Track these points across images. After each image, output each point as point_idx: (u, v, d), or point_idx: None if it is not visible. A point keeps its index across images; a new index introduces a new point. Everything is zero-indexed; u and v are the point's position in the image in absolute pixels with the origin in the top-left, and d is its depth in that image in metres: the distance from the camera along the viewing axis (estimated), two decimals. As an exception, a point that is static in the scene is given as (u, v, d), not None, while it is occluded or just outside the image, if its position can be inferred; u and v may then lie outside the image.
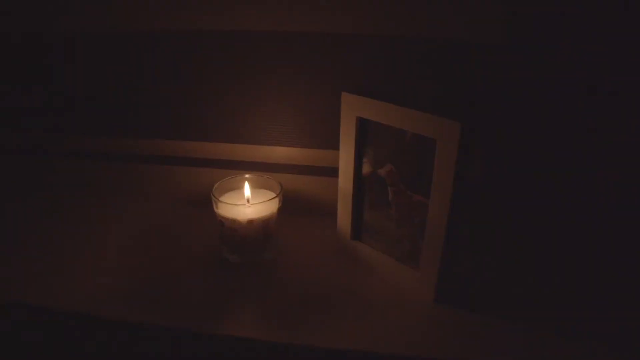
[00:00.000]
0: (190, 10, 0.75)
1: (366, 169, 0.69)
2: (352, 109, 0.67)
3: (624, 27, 0.62)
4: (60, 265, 0.71)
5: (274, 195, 0.70)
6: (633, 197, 0.71)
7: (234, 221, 0.68)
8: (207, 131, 0.85)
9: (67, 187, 0.93)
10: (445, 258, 0.60)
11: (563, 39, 0.65)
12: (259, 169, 0.84)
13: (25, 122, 0.92)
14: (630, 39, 0.63)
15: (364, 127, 0.68)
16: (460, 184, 0.57)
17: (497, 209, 0.76)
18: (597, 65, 0.65)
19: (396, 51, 0.71)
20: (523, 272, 0.70)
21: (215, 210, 0.69)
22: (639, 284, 0.67)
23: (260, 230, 0.69)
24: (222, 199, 0.70)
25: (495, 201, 0.75)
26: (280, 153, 0.84)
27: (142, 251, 0.75)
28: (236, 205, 0.69)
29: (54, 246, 0.76)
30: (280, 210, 0.72)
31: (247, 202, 0.71)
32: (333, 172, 0.79)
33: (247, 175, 0.75)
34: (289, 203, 0.77)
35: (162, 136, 0.87)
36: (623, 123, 0.67)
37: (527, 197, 0.75)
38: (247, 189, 0.72)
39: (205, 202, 0.72)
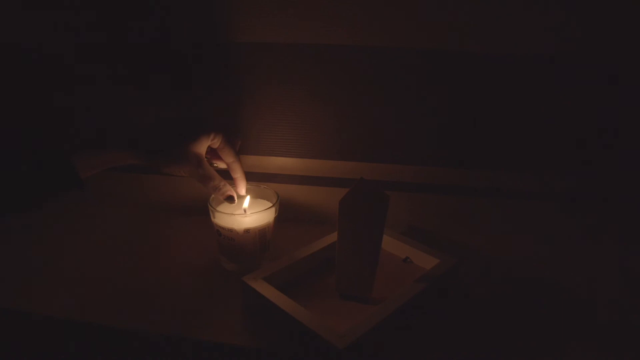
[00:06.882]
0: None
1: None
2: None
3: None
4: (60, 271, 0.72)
5: (271, 204, 0.72)
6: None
7: (230, 230, 0.69)
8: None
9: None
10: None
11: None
12: (256, 178, 0.85)
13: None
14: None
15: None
16: None
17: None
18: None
19: (391, 63, 0.73)
20: None
21: (213, 219, 0.70)
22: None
23: (257, 239, 0.70)
24: (219, 208, 0.71)
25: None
26: (276, 163, 0.85)
27: (139, 259, 0.76)
28: (233, 214, 0.70)
29: (53, 253, 0.77)
30: (277, 219, 0.73)
31: (244, 212, 0.72)
32: (328, 181, 0.81)
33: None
34: (286, 212, 0.79)
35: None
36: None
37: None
38: (247, 201, 0.74)
39: (202, 211, 0.73)
